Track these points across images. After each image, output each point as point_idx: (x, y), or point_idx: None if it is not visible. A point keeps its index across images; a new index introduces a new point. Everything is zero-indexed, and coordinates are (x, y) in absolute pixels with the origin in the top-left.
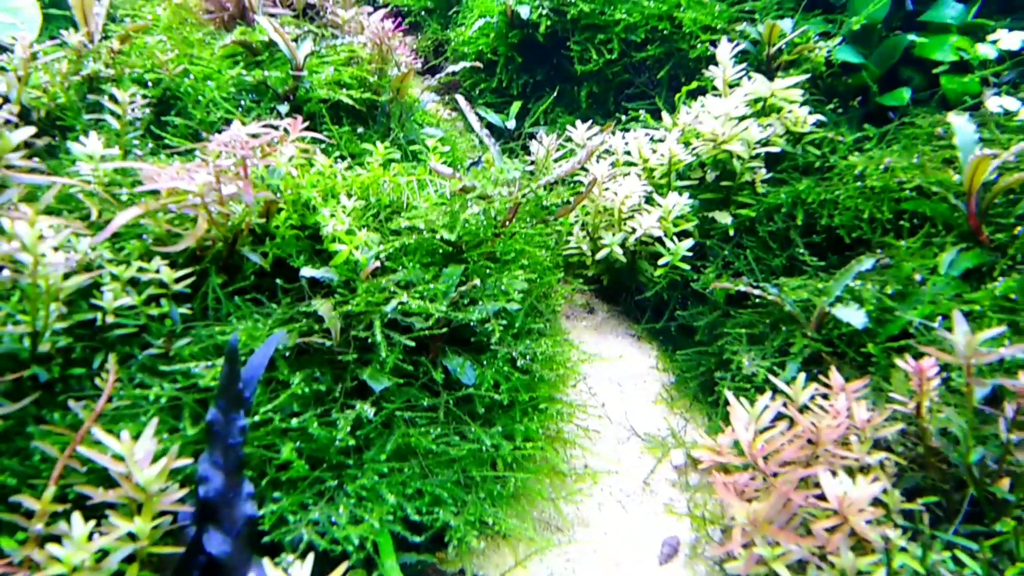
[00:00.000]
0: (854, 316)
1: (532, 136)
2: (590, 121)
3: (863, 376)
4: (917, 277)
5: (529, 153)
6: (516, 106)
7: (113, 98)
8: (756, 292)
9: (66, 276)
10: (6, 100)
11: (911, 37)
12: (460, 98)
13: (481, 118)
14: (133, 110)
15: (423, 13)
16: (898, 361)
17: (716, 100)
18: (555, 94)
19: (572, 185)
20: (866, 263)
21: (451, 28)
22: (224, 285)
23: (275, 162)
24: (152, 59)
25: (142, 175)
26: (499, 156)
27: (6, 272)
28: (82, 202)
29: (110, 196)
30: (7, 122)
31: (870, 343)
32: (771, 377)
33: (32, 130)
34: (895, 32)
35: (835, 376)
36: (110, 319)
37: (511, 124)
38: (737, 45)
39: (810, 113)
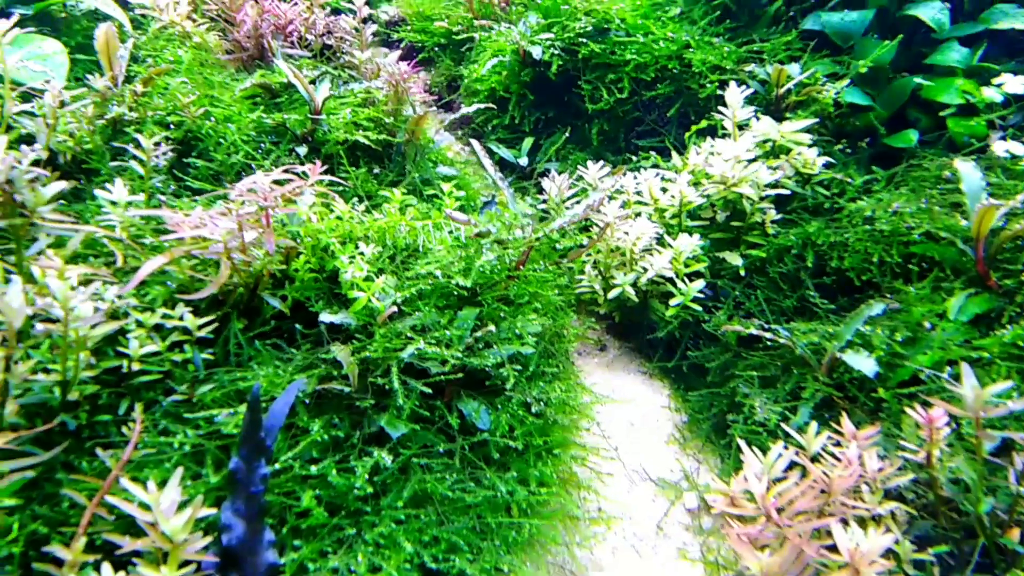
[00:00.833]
0: (865, 364)
1: (544, 173)
2: (601, 162)
3: (874, 421)
4: (927, 324)
5: (542, 190)
6: (528, 142)
7: (138, 144)
8: (768, 335)
9: (94, 325)
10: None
11: (918, 80)
12: (475, 143)
13: (492, 154)
14: (157, 157)
15: (436, 49)
16: (908, 410)
17: (726, 143)
18: (567, 131)
19: (583, 222)
20: (876, 308)
21: (464, 64)
22: (245, 329)
23: (296, 210)
24: (174, 101)
25: (167, 222)
26: (512, 198)
27: (40, 326)
28: (107, 246)
29: (134, 242)
30: (36, 171)
31: (880, 388)
32: (784, 425)
33: (63, 185)
34: (902, 74)
35: (846, 423)
36: (136, 366)
37: (523, 160)
38: (746, 89)
39: (819, 155)
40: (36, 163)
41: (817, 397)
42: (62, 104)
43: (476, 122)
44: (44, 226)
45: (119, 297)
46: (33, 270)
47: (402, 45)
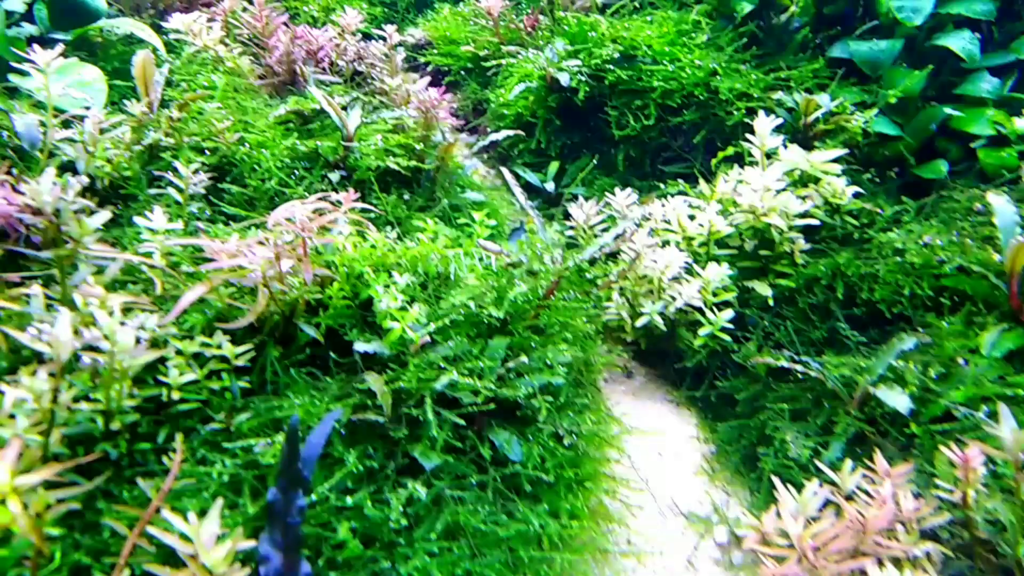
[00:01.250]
0: (899, 400)
1: (571, 198)
2: (629, 189)
3: (907, 457)
4: (959, 359)
5: (568, 215)
6: (554, 166)
7: (175, 171)
8: (799, 368)
9: (137, 355)
10: (75, 171)
11: (947, 110)
12: (506, 171)
13: (519, 178)
14: (195, 185)
15: (462, 72)
16: (943, 449)
17: (755, 172)
18: (593, 156)
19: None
20: (908, 342)
21: (490, 89)
22: (280, 357)
23: (332, 241)
24: (209, 127)
25: (205, 250)
26: (542, 226)
27: (86, 359)
28: (144, 272)
29: (172, 269)
30: (82, 202)
31: (913, 423)
32: (816, 461)
33: (107, 215)
34: (931, 104)
35: (880, 460)
36: (175, 395)
37: (550, 186)
38: (775, 119)
39: (848, 184)
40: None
41: (849, 432)
42: (102, 131)
43: (502, 146)
44: (89, 256)
45: (160, 327)
46: (75, 298)
47: (428, 68)
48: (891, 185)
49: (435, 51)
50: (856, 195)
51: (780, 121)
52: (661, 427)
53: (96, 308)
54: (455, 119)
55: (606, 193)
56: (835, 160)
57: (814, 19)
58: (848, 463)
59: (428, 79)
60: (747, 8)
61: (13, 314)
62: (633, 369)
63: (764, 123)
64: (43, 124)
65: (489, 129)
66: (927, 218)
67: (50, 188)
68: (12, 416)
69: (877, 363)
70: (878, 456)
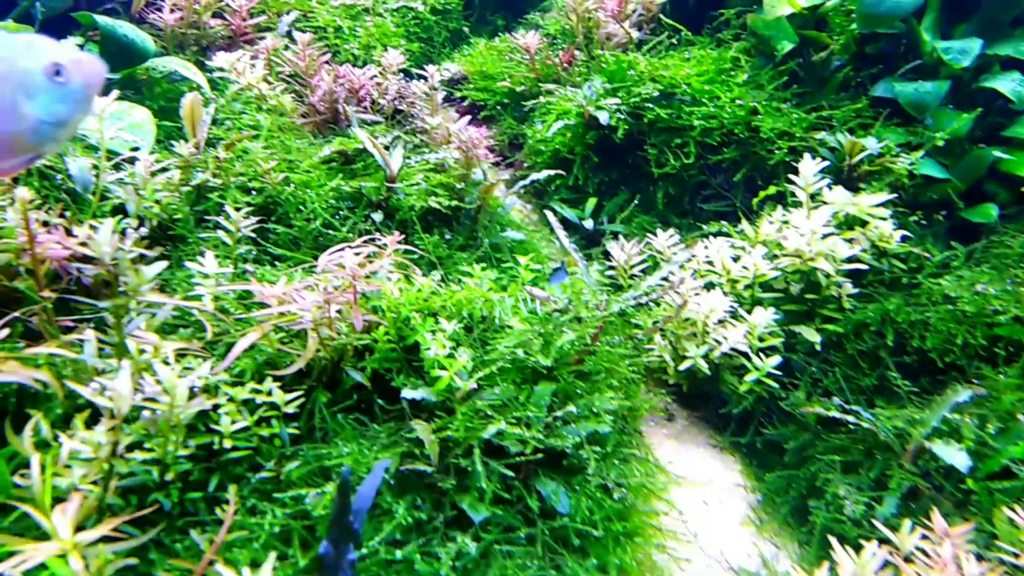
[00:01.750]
0: (957, 457)
1: (612, 236)
2: (672, 230)
3: (964, 514)
4: (1018, 414)
5: (608, 255)
6: (591, 203)
7: (225, 213)
8: (850, 419)
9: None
10: (125, 213)
11: (996, 152)
12: (550, 214)
13: (555, 213)
14: (244, 230)
15: (498, 107)
16: (1005, 510)
17: (801, 216)
18: (631, 192)
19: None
20: (963, 395)
21: (527, 124)
22: (327, 403)
23: (380, 287)
24: (255, 167)
25: (256, 295)
26: (586, 269)
27: (146, 413)
28: (193, 314)
29: (221, 313)
30: (139, 251)
31: (969, 479)
32: (872, 520)
33: (164, 265)
34: (978, 146)
35: (937, 519)
36: (227, 443)
37: (588, 223)
38: (820, 162)
39: (895, 228)
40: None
41: (903, 487)
42: (153, 174)
43: (539, 181)
44: (144, 304)
45: (213, 374)
46: (128, 344)
47: (464, 103)
48: (939, 228)
49: (471, 86)
50: (903, 239)
51: (826, 164)
52: (704, 473)
53: (151, 356)
54: (491, 153)
55: (647, 234)
56: (882, 204)
57: (855, 57)
58: (907, 522)
59: (468, 117)
60: (788, 47)
61: (68, 361)
62: (674, 412)
63: (809, 165)
64: (96, 167)
65: (526, 164)
66: (978, 264)
67: (109, 239)
68: (68, 466)
69: (931, 415)
70: (935, 514)
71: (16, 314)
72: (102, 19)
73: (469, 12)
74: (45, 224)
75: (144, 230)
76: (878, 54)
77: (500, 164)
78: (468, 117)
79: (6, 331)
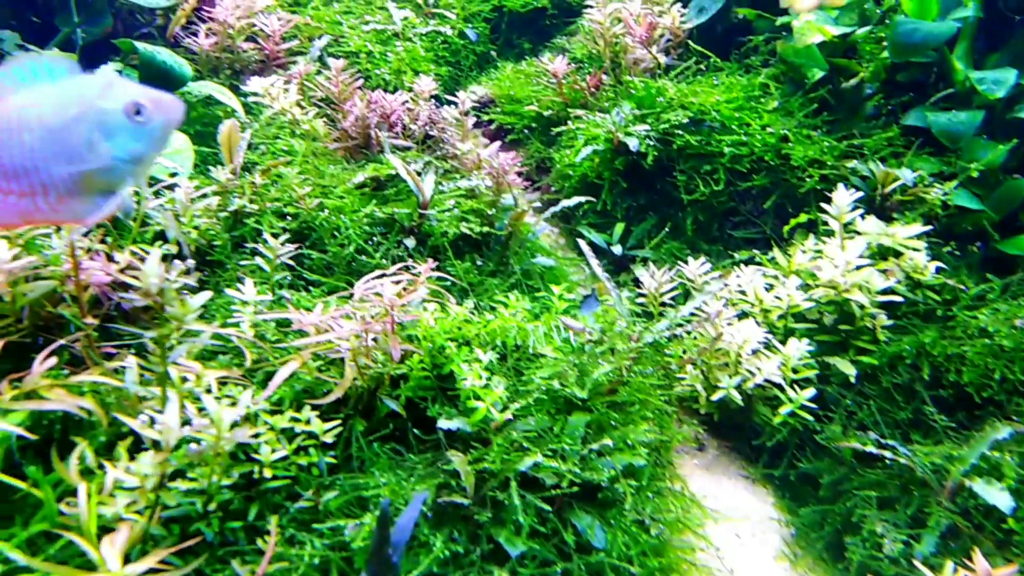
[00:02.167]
0: (999, 498)
1: (641, 261)
2: (703, 258)
3: (1004, 552)
4: None
5: (639, 283)
6: (619, 228)
7: (263, 239)
8: (887, 454)
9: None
10: (164, 239)
11: None
12: (583, 243)
13: (582, 236)
14: (282, 257)
15: (525, 131)
16: None
17: (835, 247)
18: (659, 218)
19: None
20: (1002, 432)
21: (555, 148)
22: (364, 431)
23: (418, 317)
24: (290, 192)
25: (294, 323)
26: (619, 299)
27: (193, 446)
28: (232, 340)
29: (259, 339)
30: (184, 281)
31: (1011, 519)
32: (911, 559)
33: (208, 295)
34: (1013, 176)
35: (980, 560)
36: (267, 473)
37: (617, 249)
38: (854, 193)
39: (929, 258)
40: (165, 257)
41: (942, 525)
42: (193, 200)
43: (568, 207)
44: (190, 334)
45: (254, 403)
46: (170, 372)
47: (492, 126)
48: (973, 259)
49: (498, 109)
50: (938, 270)
51: (860, 194)
52: (737, 505)
53: (194, 384)
54: (519, 178)
55: (676, 260)
56: (919, 236)
57: (885, 85)
58: (949, 564)
59: (499, 143)
60: (818, 75)
61: (111, 388)
62: (705, 441)
63: (843, 196)
64: (137, 194)
65: (553, 188)
66: (1014, 297)
67: (156, 270)
68: (112, 495)
69: (970, 452)
70: (977, 555)
71: (62, 342)
72: (142, 46)
73: (496, 36)
74: (87, 250)
75: (190, 262)
76: (909, 82)
77: (528, 188)
78: (498, 143)
79: (53, 360)
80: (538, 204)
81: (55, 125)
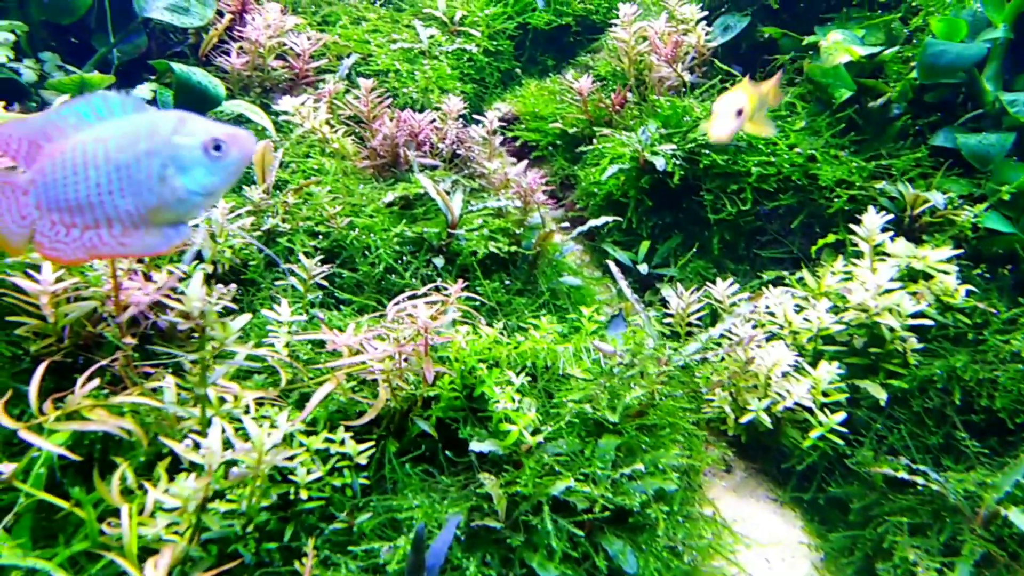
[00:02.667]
0: None
1: (667, 279)
2: (731, 279)
3: None
4: None
5: (665, 303)
6: (645, 246)
7: (300, 263)
8: (919, 481)
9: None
10: (200, 258)
11: None
12: (612, 265)
13: (607, 255)
14: (315, 279)
15: (550, 148)
16: None
17: (865, 270)
18: (685, 236)
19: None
20: None
21: (579, 166)
22: (396, 452)
23: (451, 340)
24: (321, 210)
25: (328, 344)
26: (648, 321)
27: (235, 470)
28: (266, 359)
29: (292, 358)
30: (224, 304)
31: None
32: None
33: (248, 317)
34: None
35: None
36: (303, 494)
37: (643, 268)
38: (884, 215)
39: (959, 282)
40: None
41: (976, 553)
42: (228, 221)
43: (594, 225)
44: (227, 355)
45: (290, 423)
46: (208, 393)
47: (516, 143)
48: (1004, 282)
49: (522, 126)
50: (968, 293)
51: (890, 217)
52: (765, 529)
53: (232, 406)
54: (543, 194)
55: (703, 279)
56: (950, 260)
57: (912, 105)
58: None
59: (526, 162)
60: (846, 95)
61: (150, 408)
62: (732, 463)
63: (873, 219)
64: None
65: (578, 205)
66: None
67: (199, 294)
68: (152, 515)
69: (1004, 479)
70: None
71: (103, 363)
72: (178, 66)
73: (520, 52)
74: (126, 271)
75: (232, 286)
76: (937, 102)
77: (553, 205)
78: (526, 162)
79: (95, 382)
80: (566, 224)
81: (122, 161)
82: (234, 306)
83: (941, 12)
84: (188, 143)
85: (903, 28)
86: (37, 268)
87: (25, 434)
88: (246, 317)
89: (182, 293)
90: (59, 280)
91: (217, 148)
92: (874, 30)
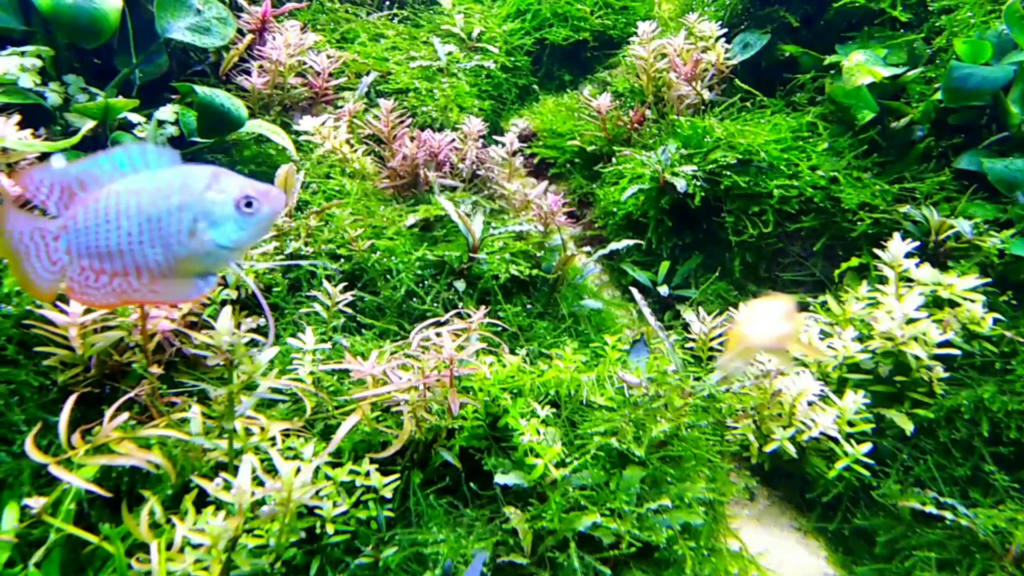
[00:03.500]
0: None
1: (684, 299)
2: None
3: None
4: None
5: (687, 327)
6: (664, 266)
7: (324, 290)
8: (948, 516)
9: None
10: (225, 284)
11: None
12: (635, 292)
13: (626, 275)
14: (339, 304)
15: (568, 165)
16: None
17: (891, 298)
18: (705, 257)
19: None
20: None
21: (598, 184)
22: (420, 483)
23: (474, 371)
24: (342, 233)
25: (352, 373)
26: (672, 350)
27: (265, 508)
28: (290, 388)
29: (317, 385)
30: (252, 336)
31: None
32: None
33: (275, 351)
34: None
35: None
36: (329, 528)
37: (663, 289)
38: (910, 243)
39: (986, 310)
40: (225, 302)
41: None
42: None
43: (615, 249)
44: (253, 386)
45: (315, 454)
46: (235, 425)
47: (535, 160)
48: None
49: (540, 142)
50: (995, 321)
51: (916, 244)
52: (789, 559)
53: (259, 438)
54: (562, 212)
55: (723, 301)
56: (976, 289)
57: (935, 126)
58: None
59: (546, 183)
60: (868, 116)
61: (177, 440)
62: (755, 491)
63: (899, 246)
64: None
65: (597, 224)
66: None
67: (228, 329)
68: (180, 550)
69: None
70: None
71: (131, 394)
72: (201, 90)
73: (537, 67)
74: None
75: (270, 319)
76: (961, 124)
77: (571, 222)
78: (546, 183)
79: (124, 416)
80: (587, 248)
81: (153, 213)
82: (264, 341)
83: (965, 33)
84: (220, 199)
85: (926, 48)
86: (66, 300)
87: (55, 470)
88: (273, 351)
89: (203, 317)
90: (87, 312)
91: (248, 205)
92: (896, 50)
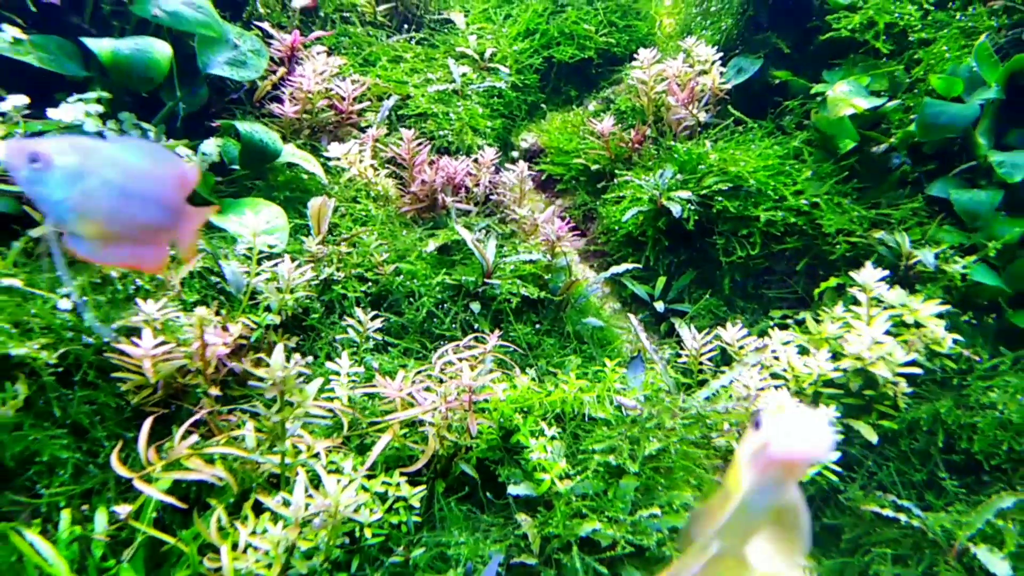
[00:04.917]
0: (999, 567)
1: (679, 314)
2: (740, 324)
3: None
4: None
5: (680, 343)
6: (661, 281)
7: (351, 305)
8: (903, 518)
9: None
10: (268, 308)
11: None
12: (633, 319)
13: (625, 288)
14: (370, 330)
15: (573, 181)
16: None
17: (862, 323)
18: (698, 273)
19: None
20: (1006, 501)
21: (600, 202)
22: (442, 492)
23: (491, 395)
24: (369, 257)
25: (382, 393)
26: (665, 371)
27: (317, 521)
28: (331, 409)
29: (351, 404)
30: (299, 369)
31: None
32: None
33: (320, 382)
34: None
35: None
36: (367, 532)
37: (659, 305)
38: (880, 271)
39: (948, 329)
40: (269, 327)
41: None
42: (310, 268)
43: (612, 258)
44: (297, 405)
45: (354, 469)
46: (286, 445)
47: (543, 177)
48: (988, 330)
49: (547, 159)
50: (955, 341)
51: (886, 273)
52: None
53: (306, 455)
54: (565, 225)
55: (714, 316)
56: (939, 315)
57: (911, 152)
58: None
59: (553, 207)
60: (850, 145)
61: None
62: None
63: (870, 273)
64: (247, 273)
65: (599, 240)
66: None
67: (280, 364)
68: (244, 551)
69: (976, 518)
70: None
71: (197, 416)
72: (242, 127)
73: (544, 83)
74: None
75: (310, 357)
76: (934, 152)
77: (576, 236)
78: (553, 208)
79: (194, 437)
80: (592, 274)
81: None
82: (308, 373)
83: (940, 65)
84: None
85: (906, 76)
86: (138, 334)
87: (139, 484)
88: (318, 382)
89: (249, 340)
90: (158, 346)
91: (35, 160)
92: (879, 78)
